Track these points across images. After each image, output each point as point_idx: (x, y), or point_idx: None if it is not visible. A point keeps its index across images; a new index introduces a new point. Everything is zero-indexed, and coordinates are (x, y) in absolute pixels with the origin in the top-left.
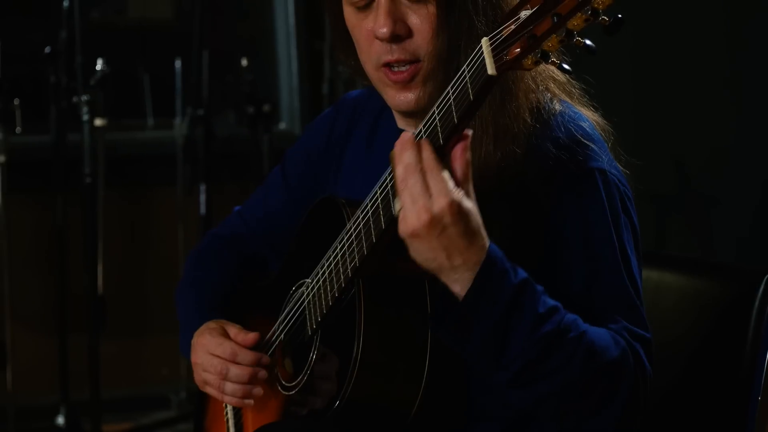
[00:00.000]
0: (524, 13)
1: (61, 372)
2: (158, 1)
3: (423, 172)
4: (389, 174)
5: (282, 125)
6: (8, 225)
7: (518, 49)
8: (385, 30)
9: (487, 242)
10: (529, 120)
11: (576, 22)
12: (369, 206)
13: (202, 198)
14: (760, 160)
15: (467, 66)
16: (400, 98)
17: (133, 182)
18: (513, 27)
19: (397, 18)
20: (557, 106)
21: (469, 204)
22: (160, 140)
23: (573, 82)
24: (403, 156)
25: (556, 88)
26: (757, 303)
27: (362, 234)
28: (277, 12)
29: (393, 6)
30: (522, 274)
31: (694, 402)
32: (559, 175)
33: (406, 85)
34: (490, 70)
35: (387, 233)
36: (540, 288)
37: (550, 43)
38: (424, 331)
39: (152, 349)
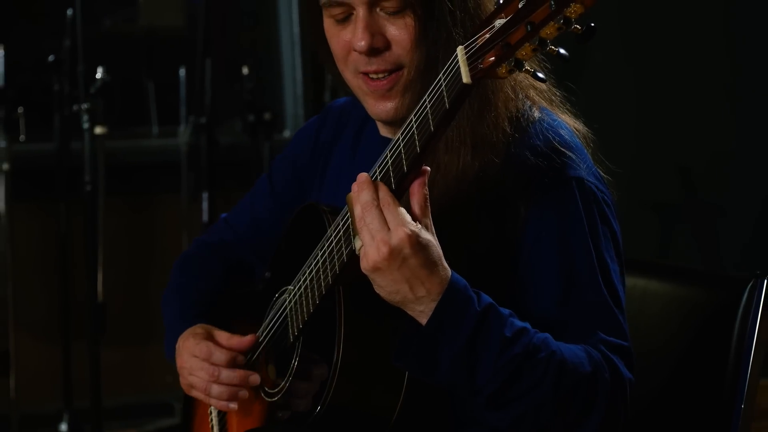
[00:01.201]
0: (499, 22)
1: (65, 379)
2: (169, 9)
3: (380, 209)
4: None
5: (287, 133)
6: (12, 233)
7: (492, 58)
8: (363, 44)
9: (449, 273)
10: (508, 129)
11: (549, 30)
12: (349, 215)
13: (205, 205)
14: (765, 167)
15: (443, 74)
16: (379, 107)
17: (138, 190)
18: (488, 35)
19: (375, 31)
20: (536, 114)
21: (428, 236)
22: (165, 148)
23: (554, 89)
24: (360, 195)
25: (536, 95)
26: (740, 310)
27: (342, 241)
28: (281, 21)
29: (371, 19)
30: (486, 300)
31: (679, 408)
32: (537, 183)
33: (384, 94)
34: (465, 78)
35: None
36: (506, 312)
37: (524, 51)
38: None
39: (156, 356)
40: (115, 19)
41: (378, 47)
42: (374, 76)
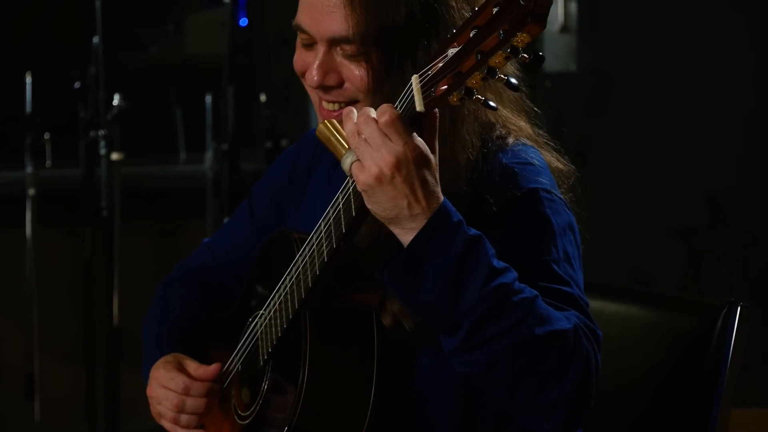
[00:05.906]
0: (451, 51)
1: (88, 402)
2: (215, 38)
3: (377, 122)
4: (332, 208)
5: None
6: (38, 257)
7: (445, 86)
8: (315, 80)
9: (442, 197)
10: (477, 143)
11: (497, 59)
12: (314, 240)
13: None
14: None
15: (399, 102)
16: None
17: (166, 215)
18: (441, 64)
19: (330, 69)
20: (511, 140)
21: (430, 153)
22: (192, 174)
23: (538, 129)
24: (351, 114)
25: (518, 131)
26: (715, 336)
27: (307, 267)
28: None
29: (328, 57)
30: (476, 231)
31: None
32: (505, 195)
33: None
34: (419, 106)
35: (330, 266)
36: (492, 250)
37: (474, 80)
38: (369, 361)
39: None
40: (162, 46)
41: (330, 85)
42: (329, 106)
